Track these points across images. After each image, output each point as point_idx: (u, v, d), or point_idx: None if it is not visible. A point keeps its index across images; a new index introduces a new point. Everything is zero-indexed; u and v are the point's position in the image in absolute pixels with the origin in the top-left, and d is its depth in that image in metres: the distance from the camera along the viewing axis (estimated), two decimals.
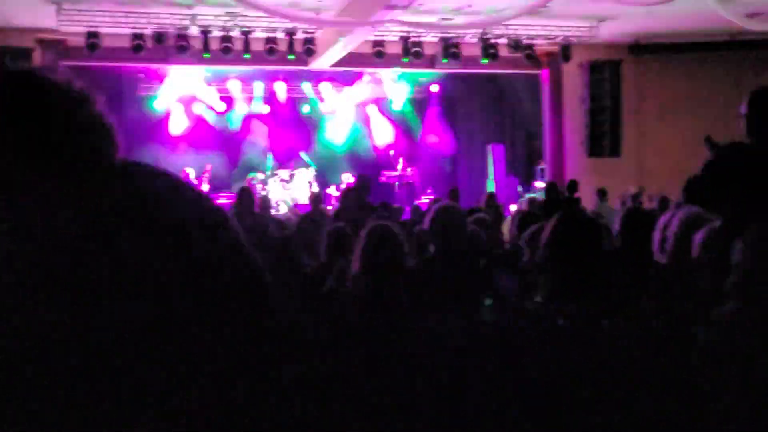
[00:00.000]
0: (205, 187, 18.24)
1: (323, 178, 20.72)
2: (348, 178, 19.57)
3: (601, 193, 14.15)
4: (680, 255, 3.77)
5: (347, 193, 9.05)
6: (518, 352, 3.64)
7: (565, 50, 18.08)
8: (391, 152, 21.65)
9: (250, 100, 21.87)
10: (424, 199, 19.51)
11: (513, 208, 16.47)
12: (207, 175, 19.66)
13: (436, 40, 17.61)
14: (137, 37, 15.87)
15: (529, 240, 4.60)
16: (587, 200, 14.93)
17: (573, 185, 13.61)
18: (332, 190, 19.56)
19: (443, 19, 16.57)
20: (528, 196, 16.85)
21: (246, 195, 10.16)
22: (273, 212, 15.54)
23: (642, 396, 3.31)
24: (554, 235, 3.76)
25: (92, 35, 15.61)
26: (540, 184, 19.66)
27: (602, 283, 3.70)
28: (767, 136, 4.63)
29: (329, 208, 13.19)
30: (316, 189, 18.80)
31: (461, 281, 4.64)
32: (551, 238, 3.75)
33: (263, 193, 18.59)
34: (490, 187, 19.71)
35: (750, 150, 4.69)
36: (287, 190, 20.25)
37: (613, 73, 19.21)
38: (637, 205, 7.57)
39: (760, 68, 19.14)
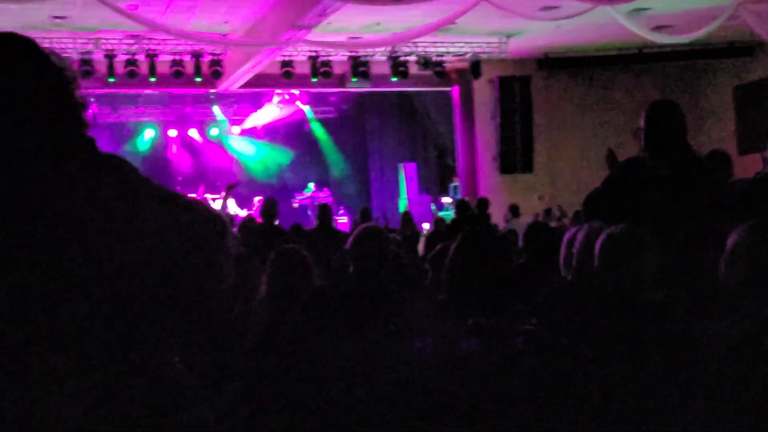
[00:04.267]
0: None
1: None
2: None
3: (513, 210, 14.21)
4: (585, 269, 3.72)
5: (248, 221, 8.90)
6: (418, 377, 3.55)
7: (475, 66, 18.16)
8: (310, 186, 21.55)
9: (158, 124, 21.59)
10: (340, 220, 19.42)
11: (426, 226, 16.48)
12: None
13: (345, 59, 17.55)
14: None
15: (433, 260, 4.52)
16: (501, 217, 14.99)
17: (483, 203, 13.61)
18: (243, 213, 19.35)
19: (352, 37, 16.52)
20: (439, 214, 16.88)
21: None
22: None
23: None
24: (457, 254, 3.68)
25: None
26: (447, 200, 19.73)
27: (506, 301, 3.64)
28: (664, 149, 4.67)
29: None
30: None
31: (372, 303, 4.52)
32: (453, 258, 3.67)
33: None
34: (402, 206, 19.69)
35: (646, 163, 4.72)
36: None
37: (523, 89, 19.31)
38: (540, 221, 7.56)
39: (667, 81, 19.55)
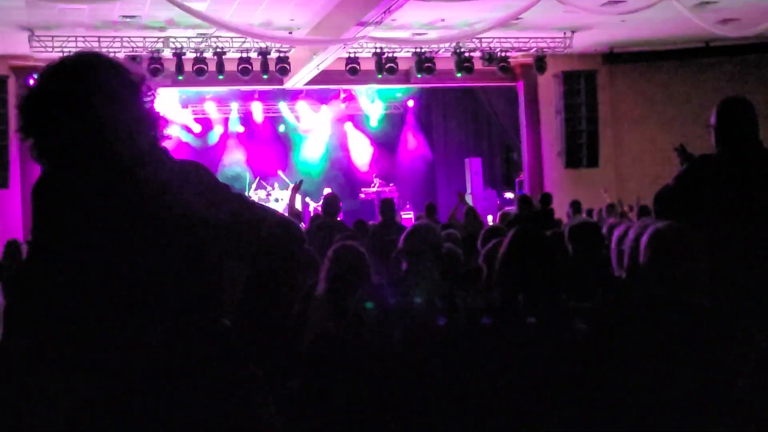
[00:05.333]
0: None
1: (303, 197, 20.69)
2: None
3: (575, 206, 14.13)
4: (636, 268, 3.74)
5: (316, 216, 9.00)
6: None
7: (540, 61, 18.11)
8: (375, 181, 21.62)
9: (226, 120, 21.84)
10: (405, 215, 19.51)
11: (490, 220, 16.47)
12: None
13: (409, 55, 17.62)
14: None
15: (486, 257, 4.58)
16: (565, 213, 14.91)
17: (546, 198, 13.57)
18: (312, 208, 19.55)
19: (416, 34, 16.59)
20: (505, 209, 16.84)
21: None
22: None
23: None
24: (508, 251, 3.74)
25: None
26: (510, 195, 19.68)
27: (558, 299, 3.68)
28: (736, 146, 4.64)
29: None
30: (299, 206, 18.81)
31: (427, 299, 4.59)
32: (505, 255, 3.73)
33: None
34: (468, 201, 19.69)
35: (719, 161, 4.69)
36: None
37: (588, 83, 19.23)
38: (589, 219, 7.53)
39: (735, 75, 19.24)
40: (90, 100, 2.21)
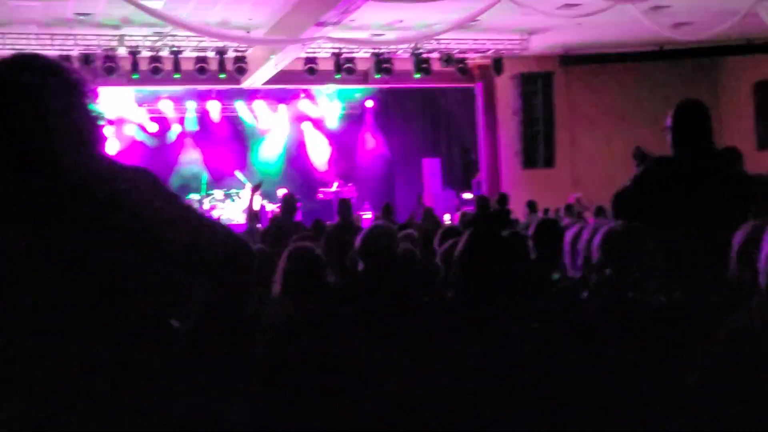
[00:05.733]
0: None
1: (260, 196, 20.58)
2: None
3: (531, 205, 14.24)
4: (589, 266, 3.77)
5: (274, 217, 8.99)
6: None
7: (497, 63, 18.23)
8: (335, 184, 21.58)
9: (182, 120, 21.67)
10: (364, 215, 19.50)
11: (447, 219, 16.54)
12: None
13: (368, 55, 17.63)
14: (64, 59, 15.47)
15: (443, 257, 4.60)
16: (522, 212, 15.00)
17: (503, 198, 13.66)
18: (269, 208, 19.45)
19: (375, 34, 16.60)
20: (463, 209, 16.90)
21: None
22: None
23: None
24: (465, 251, 3.74)
25: None
26: (468, 196, 19.78)
27: (513, 299, 3.70)
28: (691, 147, 4.71)
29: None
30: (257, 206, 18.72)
31: (381, 300, 4.60)
32: (462, 255, 3.74)
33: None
34: (427, 201, 19.75)
35: (675, 162, 4.76)
36: (223, 210, 20.14)
37: (545, 85, 19.40)
38: (550, 218, 7.60)
39: (688, 78, 19.51)
40: (28, 103, 2.16)
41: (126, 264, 2.16)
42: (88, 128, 2.25)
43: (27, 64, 2.22)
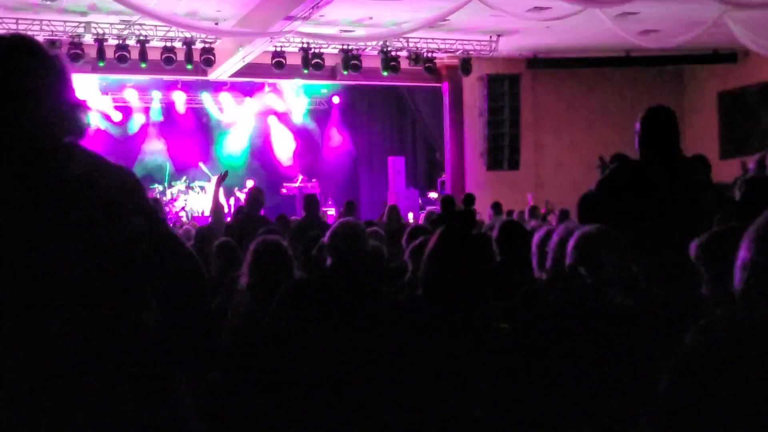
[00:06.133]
0: None
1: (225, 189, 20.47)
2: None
3: (495, 207, 14.31)
4: (559, 270, 3.80)
5: (239, 210, 8.90)
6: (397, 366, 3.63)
7: (465, 63, 18.26)
8: (299, 179, 21.52)
9: (147, 110, 21.50)
10: (327, 211, 19.47)
11: (410, 217, 16.55)
12: None
13: (336, 51, 17.59)
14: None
15: (412, 254, 4.60)
16: (486, 213, 15.06)
17: (469, 198, 13.70)
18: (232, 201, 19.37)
19: (344, 31, 16.58)
20: (428, 208, 16.93)
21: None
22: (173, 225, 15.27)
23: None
24: (434, 250, 3.75)
25: None
26: (434, 195, 19.84)
27: (481, 299, 3.71)
28: (659, 153, 4.75)
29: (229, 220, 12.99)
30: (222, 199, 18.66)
31: (348, 296, 4.59)
32: (431, 254, 3.74)
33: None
34: (390, 199, 19.76)
35: (641, 166, 4.80)
36: (185, 201, 20.03)
37: (512, 87, 19.47)
38: (513, 219, 7.63)
39: (653, 84, 19.73)
40: (15, 84, 2.13)
41: (87, 257, 2.12)
42: (69, 113, 2.22)
43: (14, 44, 2.18)
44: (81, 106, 2.26)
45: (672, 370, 2.05)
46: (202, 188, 20.47)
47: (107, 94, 20.47)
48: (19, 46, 2.18)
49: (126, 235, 2.18)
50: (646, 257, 4.12)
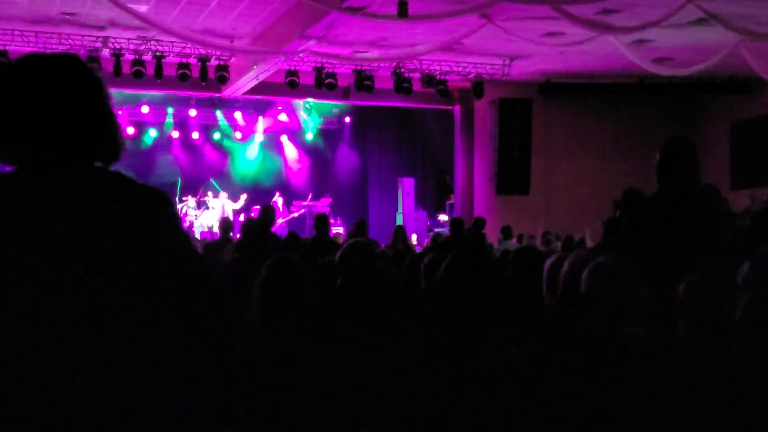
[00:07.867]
0: None
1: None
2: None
3: (505, 231, 14.33)
4: (570, 297, 3.82)
5: (248, 225, 8.97)
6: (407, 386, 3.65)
7: (478, 87, 18.32)
8: (308, 197, 21.57)
9: (161, 125, 21.60)
10: (337, 230, 19.51)
11: (414, 239, 16.58)
12: None
13: (349, 72, 17.68)
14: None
15: (426, 271, 4.62)
16: (495, 237, 15.09)
17: (479, 222, 13.73)
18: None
19: (357, 51, 16.66)
20: (436, 230, 16.95)
21: None
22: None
23: None
24: (447, 272, 3.78)
25: (0, 54, 15.23)
26: (444, 218, 19.85)
27: (491, 323, 3.73)
28: (680, 186, 4.77)
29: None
30: (230, 214, 18.77)
31: (358, 316, 4.62)
32: (443, 276, 3.77)
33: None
34: (399, 220, 19.80)
35: (659, 200, 4.82)
36: (197, 217, 20.11)
37: (524, 112, 19.45)
38: (529, 245, 7.66)
39: (667, 113, 19.70)
40: (63, 100, 2.16)
41: (113, 280, 2.11)
42: (109, 134, 2.24)
43: (75, 60, 2.22)
44: (120, 127, 2.28)
45: None
46: (212, 204, 20.52)
47: (122, 109, 20.56)
48: (70, 63, 2.21)
49: (155, 258, 2.16)
50: (662, 288, 4.15)
